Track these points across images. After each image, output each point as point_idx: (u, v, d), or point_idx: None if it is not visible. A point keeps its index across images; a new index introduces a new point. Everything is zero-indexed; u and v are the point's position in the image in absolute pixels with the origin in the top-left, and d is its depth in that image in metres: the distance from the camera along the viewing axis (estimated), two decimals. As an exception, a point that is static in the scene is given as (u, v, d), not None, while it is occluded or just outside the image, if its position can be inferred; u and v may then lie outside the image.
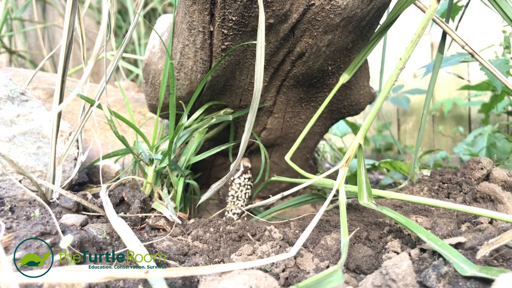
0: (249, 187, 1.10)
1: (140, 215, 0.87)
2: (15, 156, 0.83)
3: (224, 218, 1.05)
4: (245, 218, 1.11)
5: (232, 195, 1.08)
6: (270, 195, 0.87)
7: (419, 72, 2.92)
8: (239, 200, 1.08)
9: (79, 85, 0.49)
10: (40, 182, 0.79)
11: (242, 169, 1.08)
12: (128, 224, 0.70)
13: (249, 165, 1.09)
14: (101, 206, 0.83)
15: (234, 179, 1.08)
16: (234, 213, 1.08)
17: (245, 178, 1.08)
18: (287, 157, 0.95)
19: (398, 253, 0.66)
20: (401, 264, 0.50)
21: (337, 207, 1.02)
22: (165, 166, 0.95)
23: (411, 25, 2.68)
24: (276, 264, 0.66)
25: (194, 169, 1.17)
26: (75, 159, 0.95)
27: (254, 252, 0.72)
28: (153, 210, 0.91)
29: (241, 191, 1.08)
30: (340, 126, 2.51)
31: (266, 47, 0.83)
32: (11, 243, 0.53)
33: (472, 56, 0.84)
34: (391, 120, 3.17)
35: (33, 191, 0.80)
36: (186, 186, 1.08)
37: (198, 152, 1.04)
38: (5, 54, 2.38)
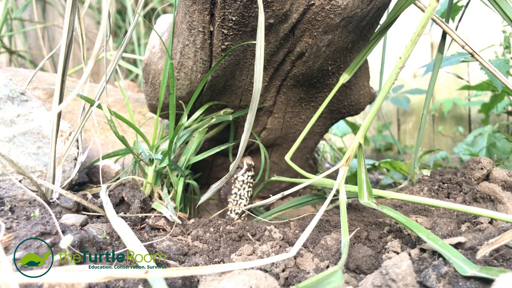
0: (251, 184, 1.10)
1: (140, 215, 0.87)
2: (15, 156, 0.83)
3: (225, 218, 1.05)
4: (246, 218, 1.11)
5: (235, 193, 1.08)
6: (270, 195, 0.87)
7: (419, 72, 2.92)
8: (242, 199, 1.08)
9: (79, 85, 0.49)
10: (40, 182, 0.79)
11: (245, 166, 1.07)
12: (128, 224, 0.70)
13: (252, 163, 1.09)
14: (101, 206, 0.83)
15: (237, 176, 1.07)
16: (236, 213, 1.08)
17: (248, 176, 1.08)
18: (287, 157, 0.95)
19: (398, 253, 0.66)
20: (401, 264, 0.50)
21: (337, 207, 1.02)
22: (165, 166, 0.95)
23: (411, 25, 2.69)
24: (276, 264, 0.66)
25: (194, 169, 1.17)
26: (75, 159, 0.95)
27: (254, 252, 0.72)
28: (153, 210, 0.91)
29: (244, 189, 1.08)
30: (340, 126, 2.51)
31: (266, 47, 0.83)
32: (11, 243, 0.53)
33: (472, 56, 0.84)
34: (391, 120, 3.17)
35: (33, 191, 0.80)
36: (186, 186, 1.08)
37: (198, 152, 1.04)
38: (5, 54, 2.38)
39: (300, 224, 0.87)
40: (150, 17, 2.84)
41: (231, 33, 0.79)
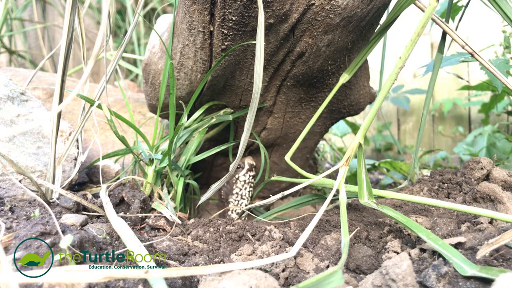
0: (252, 184, 1.10)
1: (140, 215, 0.87)
2: (15, 156, 0.83)
3: (225, 218, 1.05)
4: (246, 218, 1.11)
5: (236, 193, 1.08)
6: (270, 195, 0.87)
7: (419, 72, 2.92)
8: (243, 199, 1.08)
9: (79, 85, 0.49)
10: (40, 182, 0.79)
11: (247, 166, 1.07)
12: (128, 224, 0.70)
13: (254, 163, 1.09)
14: (101, 206, 0.83)
15: (238, 176, 1.07)
16: (237, 213, 1.08)
17: (249, 176, 1.08)
18: (287, 157, 0.95)
19: (398, 253, 0.66)
20: (401, 264, 0.50)
21: (337, 207, 1.02)
22: (165, 166, 0.95)
23: (411, 25, 2.68)
24: (276, 264, 0.66)
25: (194, 169, 1.17)
26: (75, 159, 0.95)
27: (254, 252, 0.72)
28: (153, 210, 0.91)
29: (245, 188, 1.08)
30: (340, 126, 2.51)
31: (266, 47, 0.83)
32: (11, 243, 0.53)
33: (472, 56, 0.84)
34: (391, 120, 3.17)
35: (33, 191, 0.80)
36: (186, 186, 1.08)
37: (198, 152, 1.04)
38: (5, 54, 2.38)
39: (300, 224, 0.87)
40: (150, 17, 2.84)
41: (231, 33, 0.79)
